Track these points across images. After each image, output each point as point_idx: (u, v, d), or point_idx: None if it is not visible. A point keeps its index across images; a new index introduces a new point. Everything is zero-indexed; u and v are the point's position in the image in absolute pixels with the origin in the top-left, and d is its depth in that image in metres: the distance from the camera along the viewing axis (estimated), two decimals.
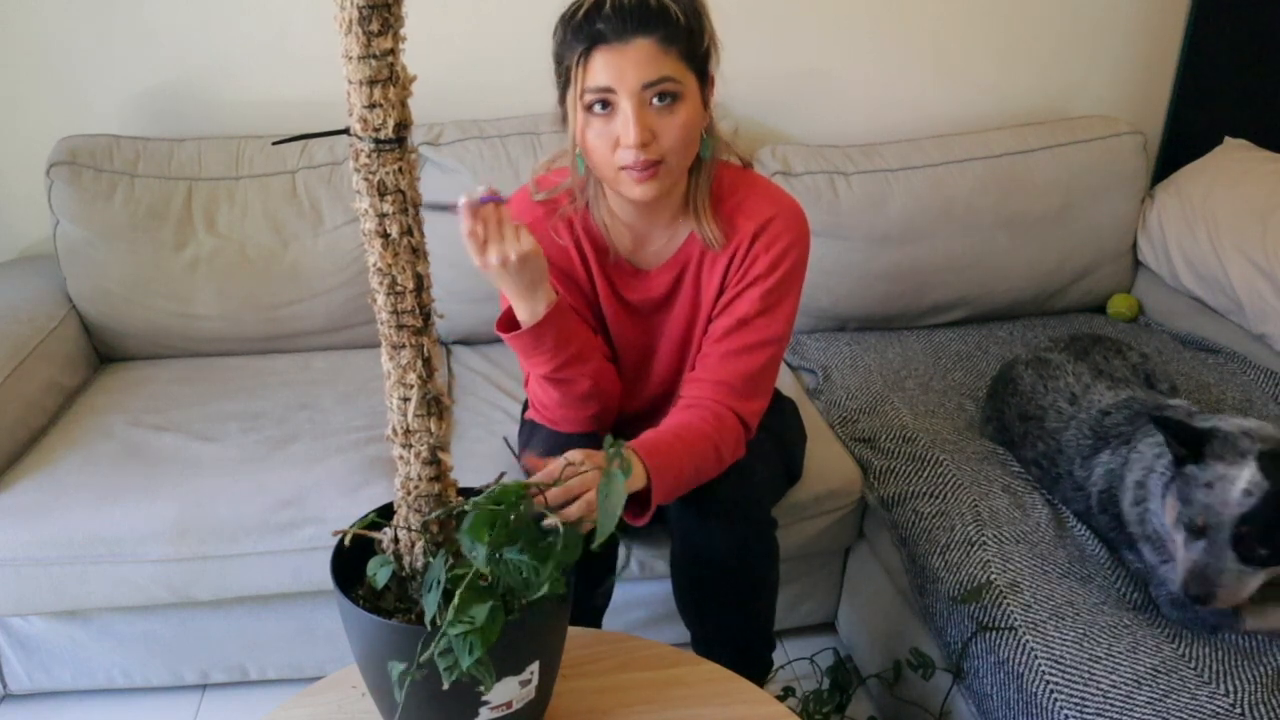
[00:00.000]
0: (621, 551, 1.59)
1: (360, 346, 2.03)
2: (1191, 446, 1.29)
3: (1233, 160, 2.12)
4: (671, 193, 1.27)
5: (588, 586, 1.40)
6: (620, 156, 1.16)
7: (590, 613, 1.47)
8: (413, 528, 0.94)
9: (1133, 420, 1.50)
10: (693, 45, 1.16)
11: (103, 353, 2.01)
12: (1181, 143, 2.35)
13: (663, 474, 1.16)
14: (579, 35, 1.13)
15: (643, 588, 1.69)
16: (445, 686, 0.87)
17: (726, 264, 1.30)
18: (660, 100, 1.15)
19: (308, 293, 1.98)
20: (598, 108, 1.16)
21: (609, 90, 1.14)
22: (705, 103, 1.22)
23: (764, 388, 1.32)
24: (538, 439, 1.39)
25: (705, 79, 1.21)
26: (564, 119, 1.22)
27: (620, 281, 1.35)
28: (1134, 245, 2.25)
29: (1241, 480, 1.24)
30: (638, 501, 1.17)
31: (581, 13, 1.14)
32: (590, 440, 1.37)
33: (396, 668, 0.88)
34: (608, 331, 1.39)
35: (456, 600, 0.87)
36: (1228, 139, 2.19)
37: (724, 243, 1.29)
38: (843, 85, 2.23)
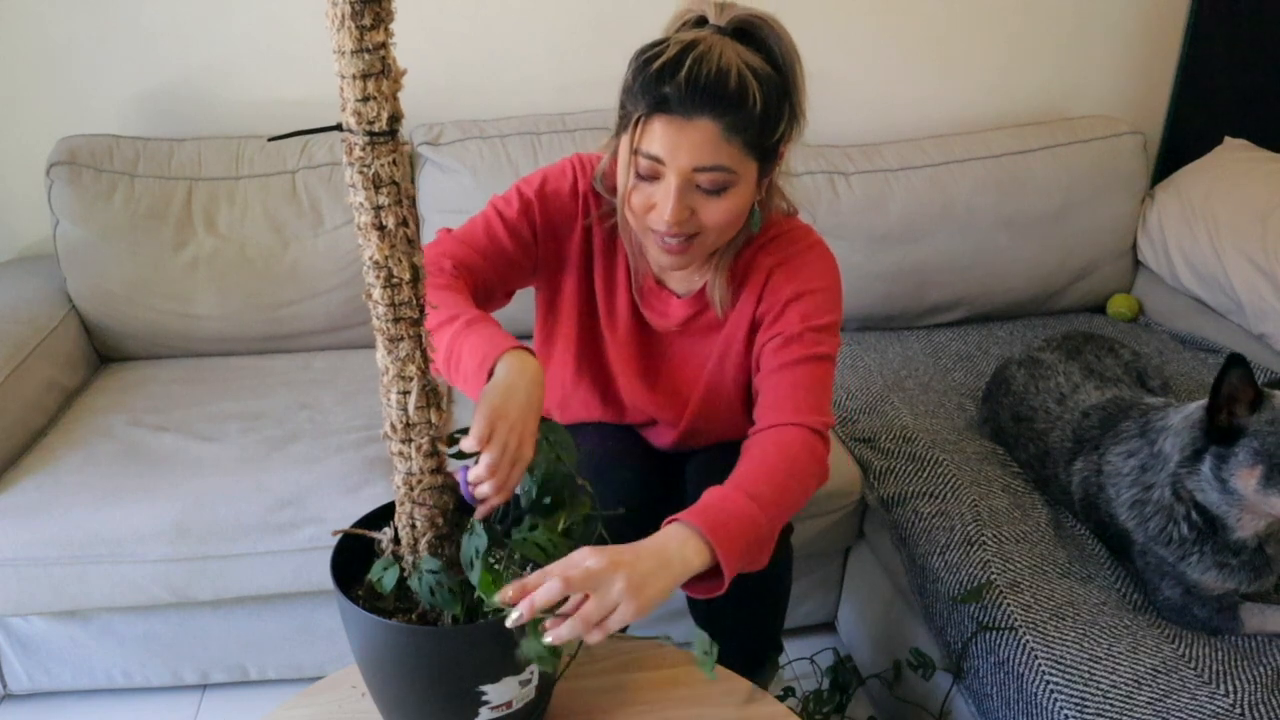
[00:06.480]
0: None
1: (360, 346, 2.03)
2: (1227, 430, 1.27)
3: (1233, 160, 2.12)
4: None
5: None
6: (653, 221, 1.12)
7: None
8: (418, 523, 0.94)
9: (1104, 424, 1.50)
10: (763, 134, 1.08)
11: (103, 353, 2.01)
12: (1181, 143, 2.35)
13: (729, 540, 0.98)
14: (646, 91, 1.05)
15: None
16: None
17: (757, 298, 1.24)
18: (709, 185, 1.08)
19: (308, 293, 1.98)
20: (644, 169, 1.10)
21: (658, 160, 1.07)
22: (761, 182, 1.15)
23: (825, 404, 1.20)
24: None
25: (771, 160, 1.14)
26: (614, 151, 1.16)
27: (642, 299, 1.30)
28: (1134, 245, 2.25)
29: None
30: (708, 572, 0.98)
31: (655, 66, 1.05)
32: (595, 431, 1.37)
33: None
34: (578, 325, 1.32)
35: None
36: (1228, 139, 2.19)
37: (729, 308, 1.24)
38: (843, 85, 2.23)
